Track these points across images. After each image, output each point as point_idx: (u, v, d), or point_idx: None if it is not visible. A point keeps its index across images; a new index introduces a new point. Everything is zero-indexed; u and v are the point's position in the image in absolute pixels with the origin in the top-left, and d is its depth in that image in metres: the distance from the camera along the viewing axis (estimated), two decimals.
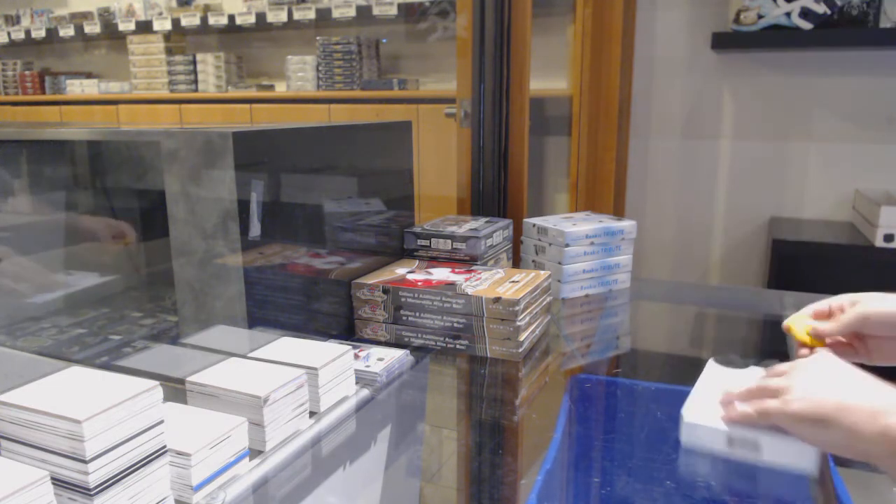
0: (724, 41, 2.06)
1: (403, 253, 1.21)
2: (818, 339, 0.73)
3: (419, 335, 1.02)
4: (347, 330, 1.06)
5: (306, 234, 0.97)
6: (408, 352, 0.97)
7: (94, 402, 0.54)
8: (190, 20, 3.45)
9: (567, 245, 1.24)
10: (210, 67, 3.43)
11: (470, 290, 0.99)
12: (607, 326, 1.20)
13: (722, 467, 0.68)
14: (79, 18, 3.78)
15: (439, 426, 0.92)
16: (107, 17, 3.73)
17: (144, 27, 3.60)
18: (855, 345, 0.72)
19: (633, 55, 2.16)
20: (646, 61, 2.25)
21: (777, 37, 1.97)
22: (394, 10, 2.96)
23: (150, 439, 0.57)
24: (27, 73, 4.03)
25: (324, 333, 1.00)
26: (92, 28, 3.74)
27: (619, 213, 2.06)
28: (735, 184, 2.23)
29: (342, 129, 1.09)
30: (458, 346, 1.00)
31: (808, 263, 1.94)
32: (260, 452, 0.70)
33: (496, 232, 1.23)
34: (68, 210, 1.16)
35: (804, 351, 0.72)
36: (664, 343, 1.23)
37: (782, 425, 0.60)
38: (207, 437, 0.63)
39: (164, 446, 0.59)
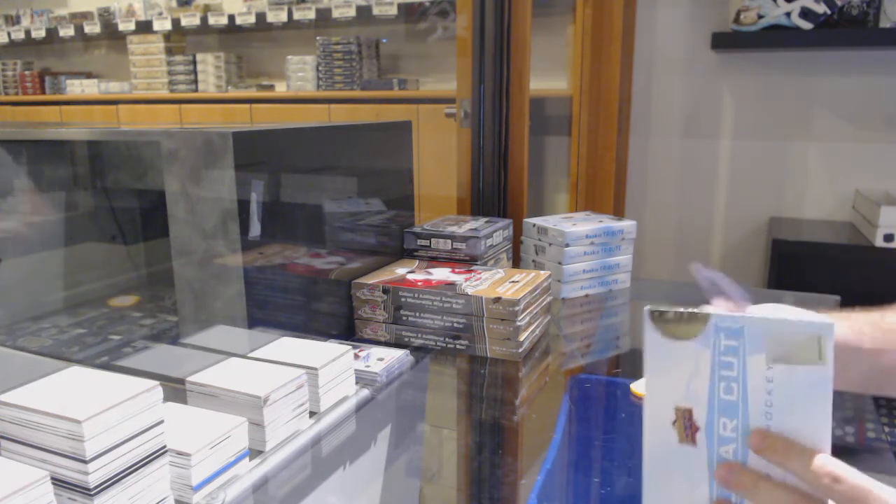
0: (724, 41, 2.05)
1: (403, 253, 1.21)
2: None
3: (419, 335, 1.02)
4: (347, 330, 1.06)
5: (306, 234, 0.97)
6: (408, 352, 0.97)
7: (94, 402, 0.54)
8: (190, 20, 3.46)
9: (567, 245, 1.24)
10: (210, 67, 3.43)
11: (470, 290, 0.99)
12: (607, 326, 1.20)
13: None
14: (79, 18, 3.78)
15: (439, 426, 0.92)
16: (107, 17, 3.73)
17: (144, 27, 3.60)
18: None
19: (633, 55, 2.16)
20: (646, 61, 2.25)
21: (777, 37, 1.97)
22: (394, 10, 2.96)
23: (150, 439, 0.57)
24: (27, 73, 4.03)
25: (324, 333, 1.00)
26: (92, 28, 3.74)
27: (619, 213, 2.06)
28: (735, 184, 2.23)
29: (342, 129, 1.09)
30: (458, 346, 1.00)
31: (808, 263, 1.94)
32: (260, 452, 0.70)
33: (496, 232, 1.23)
34: (68, 210, 1.16)
35: None
36: None
37: None
38: (207, 437, 0.63)
39: (164, 446, 0.59)
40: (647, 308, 0.45)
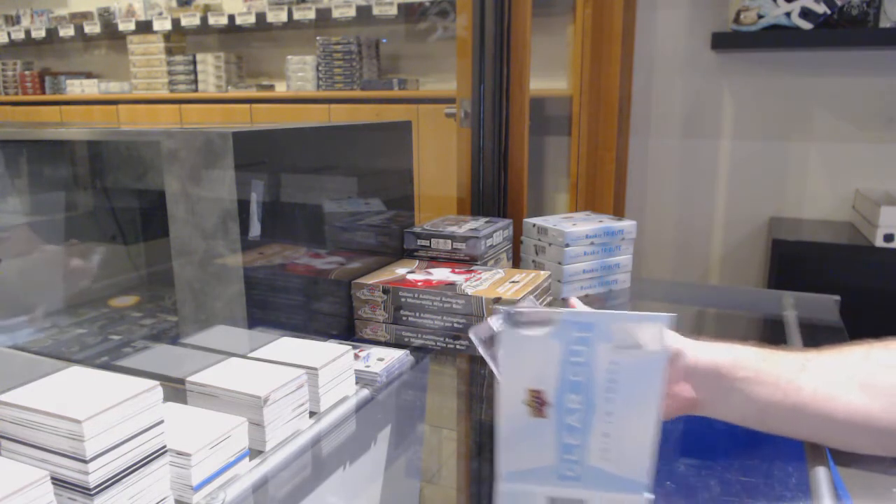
0: (724, 41, 2.06)
1: (403, 253, 1.21)
2: None
3: (419, 335, 1.02)
4: (347, 330, 1.06)
5: (306, 234, 0.97)
6: (408, 352, 0.97)
7: (94, 402, 0.54)
8: (190, 20, 3.46)
9: (567, 245, 1.24)
10: (210, 67, 3.43)
11: (470, 291, 0.99)
12: None
13: (722, 468, 0.68)
14: (79, 18, 3.78)
15: (439, 426, 0.92)
16: (107, 17, 3.73)
17: (144, 27, 3.61)
18: None
19: (633, 55, 2.16)
20: (646, 61, 2.25)
21: (777, 37, 1.97)
22: (394, 10, 2.96)
23: (150, 439, 0.57)
24: (27, 73, 4.03)
25: (324, 333, 1.00)
26: (92, 28, 3.74)
27: (619, 213, 2.06)
28: (735, 184, 2.23)
29: (342, 129, 1.09)
30: (458, 347, 1.00)
31: (808, 263, 1.94)
32: (260, 452, 0.70)
33: (496, 232, 1.23)
34: (68, 210, 1.16)
35: None
36: None
37: None
38: (207, 437, 0.63)
39: (164, 446, 0.59)
40: (503, 309, 0.52)
